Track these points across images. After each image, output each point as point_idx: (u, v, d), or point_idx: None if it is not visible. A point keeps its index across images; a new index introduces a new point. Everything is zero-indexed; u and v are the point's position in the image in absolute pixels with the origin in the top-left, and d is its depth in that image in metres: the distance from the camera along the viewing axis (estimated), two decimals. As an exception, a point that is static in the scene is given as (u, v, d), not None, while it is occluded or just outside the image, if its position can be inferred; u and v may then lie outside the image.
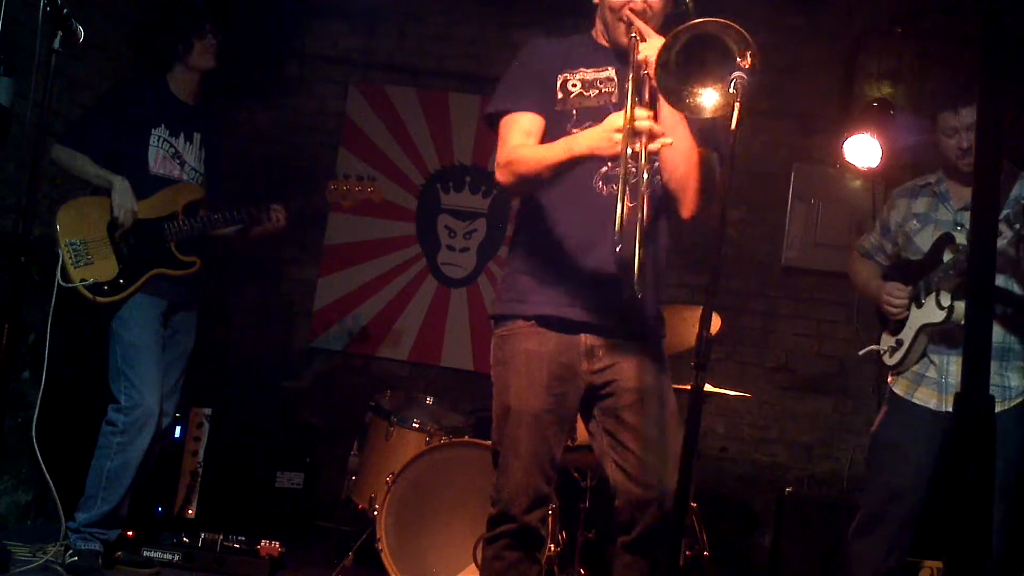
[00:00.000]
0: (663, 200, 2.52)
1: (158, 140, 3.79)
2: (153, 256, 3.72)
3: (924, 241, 3.29)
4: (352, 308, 5.42)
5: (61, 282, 3.52)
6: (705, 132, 2.42)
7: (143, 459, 3.64)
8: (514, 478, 2.49)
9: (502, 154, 2.49)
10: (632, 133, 2.21)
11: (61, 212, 3.62)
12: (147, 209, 3.71)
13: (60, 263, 3.54)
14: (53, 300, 3.48)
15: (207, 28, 3.82)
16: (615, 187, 2.35)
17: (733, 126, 2.03)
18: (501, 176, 2.48)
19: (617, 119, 2.25)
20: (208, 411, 4.33)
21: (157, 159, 3.79)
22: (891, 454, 3.25)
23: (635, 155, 2.24)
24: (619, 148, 2.22)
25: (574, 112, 2.50)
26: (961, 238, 3.16)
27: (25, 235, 2.46)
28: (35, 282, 3.82)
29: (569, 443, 3.24)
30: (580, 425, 3.16)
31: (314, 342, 5.44)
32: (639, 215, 2.28)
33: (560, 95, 2.53)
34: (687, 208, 2.46)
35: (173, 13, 3.90)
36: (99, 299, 3.60)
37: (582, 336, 2.48)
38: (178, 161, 3.84)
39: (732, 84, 2.06)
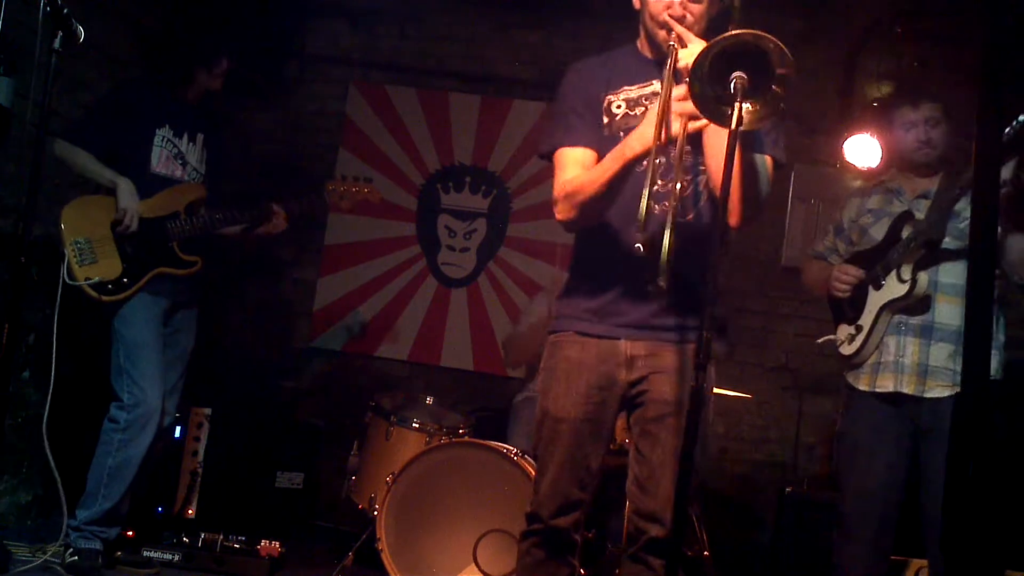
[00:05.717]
0: (713, 211, 2.47)
1: (162, 140, 3.80)
2: (156, 255, 3.72)
3: (880, 231, 3.30)
4: (352, 308, 5.43)
5: (67, 280, 3.53)
6: (753, 136, 2.34)
7: (144, 457, 3.65)
8: (545, 482, 2.50)
9: (558, 189, 2.47)
10: (671, 116, 2.19)
11: (66, 211, 3.63)
12: (150, 208, 3.72)
13: (65, 262, 3.55)
14: (58, 299, 3.49)
15: (223, 59, 3.88)
16: (667, 204, 2.34)
17: (733, 126, 2.03)
18: (561, 211, 2.46)
19: (655, 110, 2.23)
20: (208, 411, 4.33)
21: (160, 159, 3.80)
22: (858, 453, 3.24)
23: (682, 141, 2.23)
24: (672, 132, 2.20)
25: (621, 134, 2.46)
26: (920, 215, 3.17)
27: (25, 235, 2.46)
28: (35, 282, 3.82)
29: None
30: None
31: (314, 342, 5.45)
32: (673, 202, 2.23)
33: (606, 119, 2.50)
34: (733, 215, 2.38)
35: (191, 44, 3.92)
36: (104, 298, 3.61)
37: (623, 344, 2.47)
38: (180, 161, 3.85)
39: (731, 84, 2.06)
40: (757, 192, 2.39)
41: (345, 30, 5.58)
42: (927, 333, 3.15)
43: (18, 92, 3.66)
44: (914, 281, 3.12)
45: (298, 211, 3.96)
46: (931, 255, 3.14)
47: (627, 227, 2.41)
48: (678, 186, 2.25)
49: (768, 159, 2.44)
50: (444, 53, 5.51)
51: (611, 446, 3.33)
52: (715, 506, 4.69)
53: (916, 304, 3.15)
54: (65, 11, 2.50)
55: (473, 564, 3.53)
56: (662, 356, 2.45)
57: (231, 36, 3.99)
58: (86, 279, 3.56)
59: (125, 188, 3.65)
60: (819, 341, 3.59)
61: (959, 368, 3.08)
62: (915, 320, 3.17)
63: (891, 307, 3.20)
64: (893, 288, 3.18)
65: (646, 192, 2.14)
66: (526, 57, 5.32)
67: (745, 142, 2.30)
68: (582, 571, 3.66)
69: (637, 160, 2.30)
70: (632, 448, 2.51)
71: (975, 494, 1.43)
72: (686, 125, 2.21)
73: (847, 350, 3.32)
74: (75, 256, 3.57)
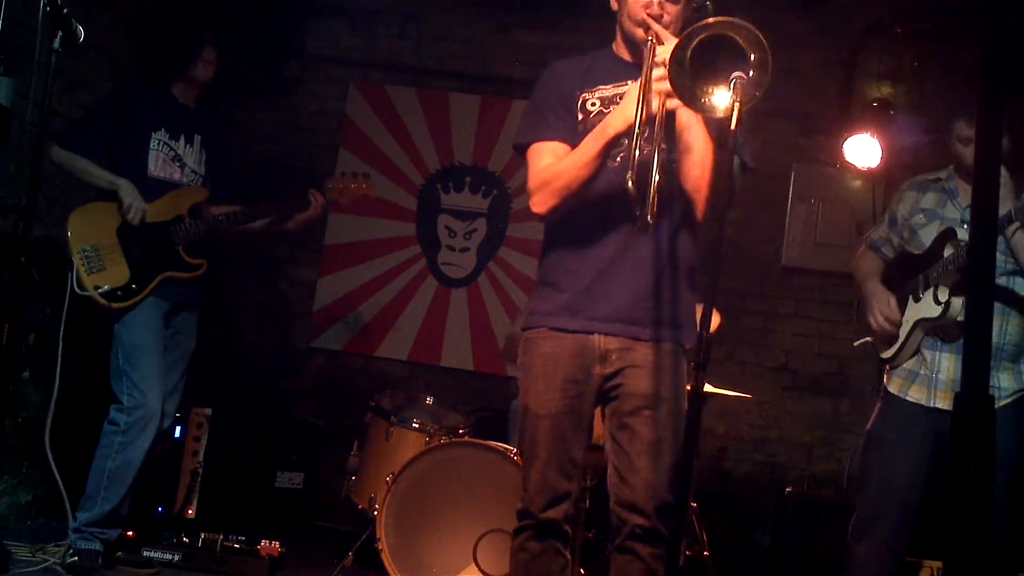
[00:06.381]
0: (685, 208, 2.51)
1: (158, 143, 3.80)
2: (162, 260, 3.72)
3: (929, 236, 3.27)
4: (352, 308, 5.43)
5: (77, 290, 3.53)
6: (724, 134, 2.36)
7: (144, 459, 3.65)
8: (532, 477, 2.54)
9: (533, 180, 2.51)
10: (651, 94, 2.25)
11: (72, 219, 3.61)
12: (153, 213, 3.71)
13: (74, 271, 3.54)
14: (65, 308, 3.48)
15: (206, 43, 3.84)
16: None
17: (733, 126, 2.04)
18: (537, 201, 2.50)
19: (635, 89, 2.30)
20: (208, 411, 4.33)
21: (157, 162, 3.79)
22: (883, 452, 3.24)
23: (655, 120, 2.29)
24: (651, 109, 2.26)
25: None
26: (963, 234, 3.15)
27: (25, 235, 2.45)
28: (35, 282, 3.82)
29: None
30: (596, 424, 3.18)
31: (314, 342, 5.45)
32: (654, 157, 2.29)
33: (580, 115, 2.55)
34: (701, 211, 2.45)
35: (172, 33, 3.91)
36: (114, 305, 3.60)
37: (596, 338, 2.51)
38: (178, 164, 3.85)
39: (732, 85, 2.06)
40: (726, 188, 2.42)
41: (345, 30, 5.58)
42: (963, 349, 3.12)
43: (18, 92, 3.66)
44: (948, 304, 3.10)
45: (331, 195, 4.00)
46: (965, 282, 3.11)
47: (596, 224, 2.48)
48: (657, 179, 2.27)
49: (736, 160, 2.48)
50: (444, 53, 5.51)
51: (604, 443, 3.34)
52: (715, 506, 4.69)
53: (949, 326, 3.12)
54: (65, 11, 2.50)
55: (473, 564, 3.53)
56: (636, 351, 2.49)
57: (215, 25, 3.95)
58: (95, 287, 3.56)
59: (126, 186, 3.65)
60: (856, 344, 3.60)
61: (1000, 384, 3.09)
62: (951, 334, 3.14)
63: (924, 324, 3.20)
64: (929, 307, 3.17)
65: (636, 133, 2.24)
66: (526, 57, 5.31)
67: (718, 139, 2.37)
68: (582, 571, 3.66)
69: (617, 140, 2.35)
70: (609, 441, 2.55)
71: (975, 495, 1.43)
72: (664, 103, 2.27)
73: (885, 354, 3.34)
74: (83, 264, 3.56)
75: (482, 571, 3.53)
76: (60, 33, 2.52)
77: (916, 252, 3.31)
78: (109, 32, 4.47)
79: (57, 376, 3.43)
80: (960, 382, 3.13)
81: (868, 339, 3.45)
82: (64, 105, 4.09)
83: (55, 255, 3.67)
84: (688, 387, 2.59)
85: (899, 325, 3.27)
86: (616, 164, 2.43)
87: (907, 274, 3.32)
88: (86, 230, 3.62)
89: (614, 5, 2.58)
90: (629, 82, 2.50)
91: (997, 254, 3.01)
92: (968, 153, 3.19)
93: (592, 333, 2.51)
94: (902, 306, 3.31)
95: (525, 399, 2.58)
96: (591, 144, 2.40)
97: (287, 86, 5.54)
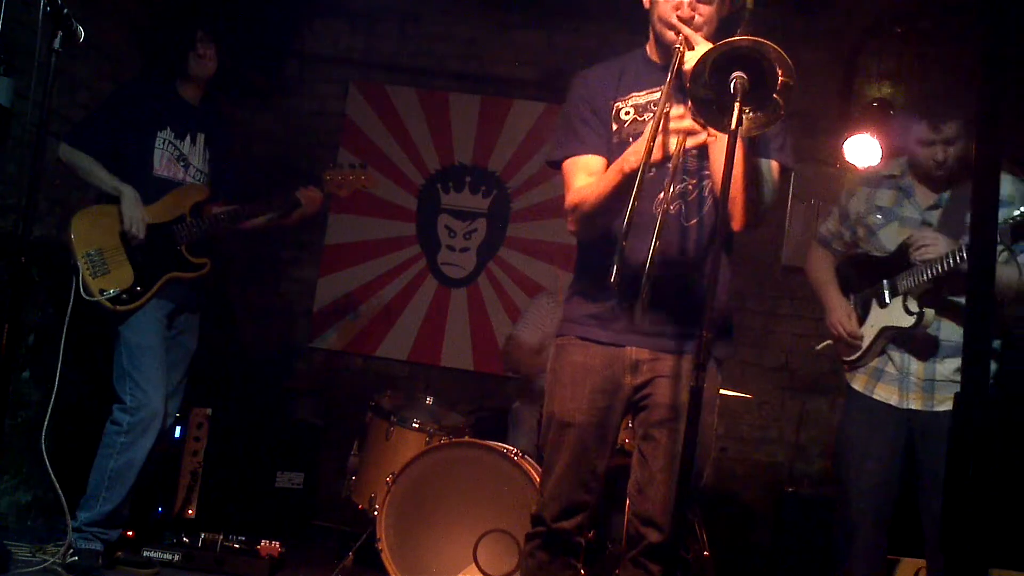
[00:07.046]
0: (717, 217, 2.45)
1: (163, 143, 3.79)
2: (166, 260, 3.72)
3: (889, 238, 3.24)
4: (352, 308, 5.43)
5: (84, 296, 3.52)
6: (758, 141, 2.33)
7: (146, 460, 3.64)
8: (549, 485, 2.52)
9: (568, 201, 2.48)
10: (669, 131, 2.19)
11: (74, 222, 3.60)
12: (155, 214, 3.71)
13: (79, 276, 3.53)
14: (68, 314, 3.47)
15: (197, 39, 3.81)
16: (673, 208, 2.39)
17: (732, 126, 2.03)
18: (571, 223, 2.48)
19: (650, 127, 2.22)
20: (208, 411, 4.33)
21: (161, 161, 3.79)
22: (855, 452, 3.24)
23: (678, 156, 2.23)
24: (668, 149, 2.20)
25: (631, 140, 2.45)
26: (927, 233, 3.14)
27: (25, 235, 2.45)
28: (35, 282, 3.82)
29: None
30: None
31: (314, 342, 5.45)
32: (663, 211, 2.25)
33: (615, 126, 2.50)
34: (737, 220, 2.39)
35: (166, 29, 3.90)
36: (119, 308, 3.59)
37: (628, 349, 2.48)
38: (182, 163, 3.84)
39: (732, 85, 2.06)
40: (761, 197, 2.39)
41: (345, 30, 5.58)
42: (932, 350, 3.14)
43: (18, 92, 3.66)
44: (921, 314, 3.09)
45: (327, 189, 3.98)
46: (938, 291, 3.09)
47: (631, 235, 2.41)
48: (665, 209, 2.26)
49: (774, 164, 2.44)
50: (444, 53, 5.51)
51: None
52: (715, 506, 4.69)
53: (920, 336, 3.11)
54: (65, 11, 2.50)
55: (473, 564, 3.54)
56: (665, 361, 2.46)
57: (210, 19, 3.93)
58: (101, 291, 3.55)
59: (129, 196, 3.64)
60: (818, 348, 3.59)
61: None
62: (921, 342, 3.13)
63: (891, 331, 3.18)
64: (898, 315, 3.15)
65: (626, 222, 2.12)
66: (526, 57, 5.32)
67: (750, 147, 2.29)
68: (582, 571, 3.66)
69: (635, 173, 2.26)
70: (636, 451, 2.52)
71: (976, 494, 1.43)
72: (683, 142, 2.21)
73: (847, 357, 3.32)
74: (88, 269, 3.55)
75: (482, 571, 3.53)
76: (60, 33, 2.51)
77: (877, 253, 3.27)
78: (109, 32, 4.47)
79: (56, 381, 3.43)
80: (938, 383, 3.14)
81: (830, 342, 3.43)
82: (64, 105, 4.09)
83: (55, 255, 3.66)
84: (716, 396, 2.59)
85: (861, 338, 3.26)
86: (651, 175, 2.33)
87: (867, 275, 3.29)
88: (89, 233, 3.61)
89: (646, 3, 2.50)
90: (662, 87, 2.43)
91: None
92: (926, 155, 3.15)
93: (623, 345, 2.48)
94: (865, 309, 3.30)
95: (551, 406, 2.55)
96: (612, 176, 2.33)
97: (287, 86, 5.54)
